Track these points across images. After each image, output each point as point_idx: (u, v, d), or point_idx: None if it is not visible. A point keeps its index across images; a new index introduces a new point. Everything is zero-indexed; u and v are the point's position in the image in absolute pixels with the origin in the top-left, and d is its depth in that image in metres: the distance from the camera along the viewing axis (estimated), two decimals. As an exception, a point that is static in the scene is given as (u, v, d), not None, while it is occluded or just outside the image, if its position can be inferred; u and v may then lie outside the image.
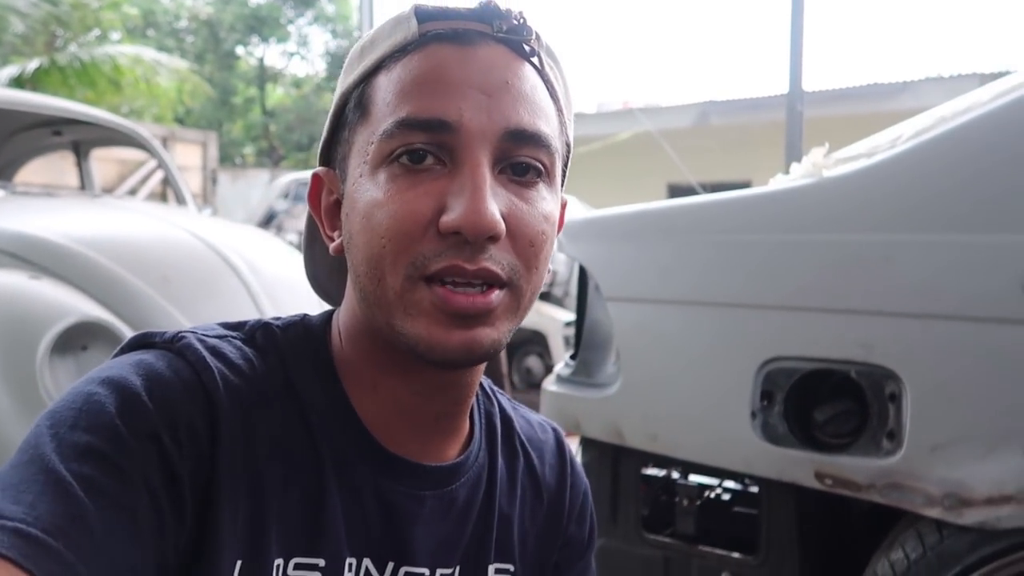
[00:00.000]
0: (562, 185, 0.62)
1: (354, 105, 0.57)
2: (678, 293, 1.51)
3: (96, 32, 11.22)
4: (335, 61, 20.45)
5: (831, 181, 1.39)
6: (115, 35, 12.07)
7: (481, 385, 0.70)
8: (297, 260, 3.22)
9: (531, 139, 0.54)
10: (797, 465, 1.33)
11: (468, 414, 0.65)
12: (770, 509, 1.44)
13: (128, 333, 2.28)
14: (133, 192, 5.11)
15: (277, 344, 0.60)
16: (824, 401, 1.34)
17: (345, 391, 0.60)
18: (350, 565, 0.58)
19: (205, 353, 0.55)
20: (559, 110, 0.59)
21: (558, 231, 0.61)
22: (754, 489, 1.51)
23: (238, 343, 0.59)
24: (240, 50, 20.38)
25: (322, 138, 0.62)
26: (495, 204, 0.52)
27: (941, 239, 1.26)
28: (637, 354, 1.56)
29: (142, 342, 0.57)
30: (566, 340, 5.11)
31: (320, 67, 21.18)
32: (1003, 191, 1.24)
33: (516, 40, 0.56)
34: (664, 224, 1.56)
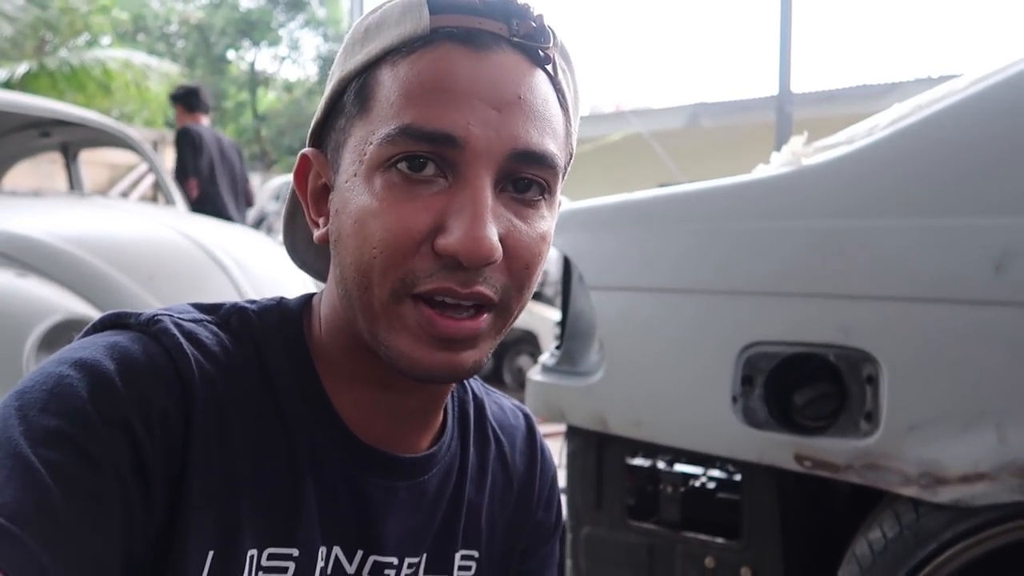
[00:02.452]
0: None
1: (354, 96, 0.55)
2: (660, 281, 1.53)
3: (85, 36, 11.20)
4: (326, 65, 20.41)
5: (810, 169, 1.41)
6: (105, 39, 12.05)
7: None
8: (285, 258, 3.22)
9: (538, 160, 0.53)
10: (777, 448, 1.35)
11: (443, 406, 0.65)
12: (752, 495, 1.45)
13: (116, 330, 2.28)
14: (124, 195, 5.10)
15: (252, 330, 0.59)
16: (803, 384, 1.36)
17: (320, 380, 0.59)
18: (322, 554, 0.58)
19: (181, 339, 0.54)
20: (568, 119, 0.57)
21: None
22: (737, 477, 1.53)
23: (213, 328, 0.57)
24: (231, 54, 20.36)
25: (315, 119, 0.59)
26: (495, 229, 0.50)
27: (915, 223, 1.28)
28: (620, 342, 1.57)
29: (116, 322, 0.55)
30: (555, 335, 5.13)
31: (311, 71, 21.16)
32: (975, 175, 1.26)
33: (532, 47, 0.53)
34: (646, 213, 1.58)
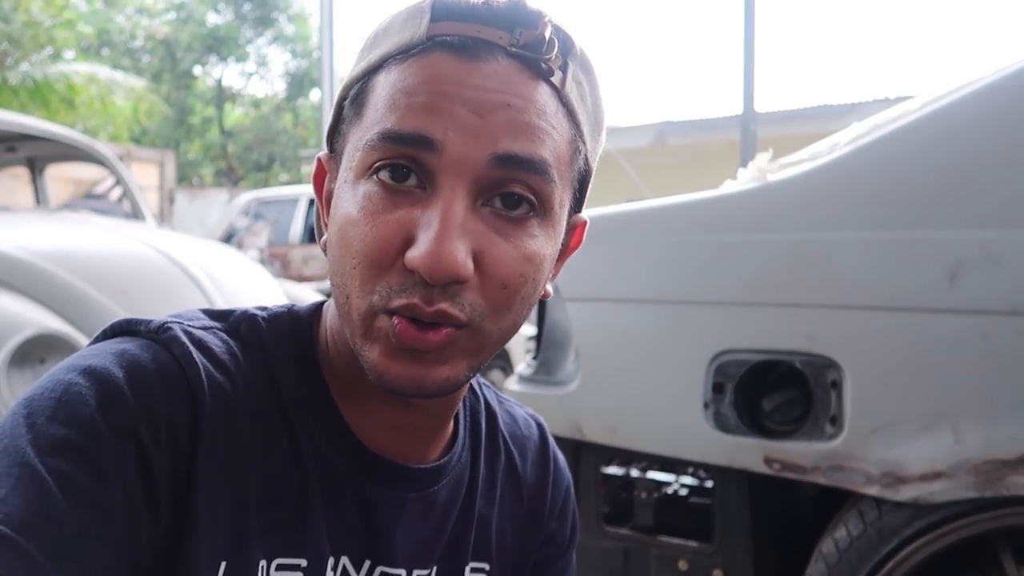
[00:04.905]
0: (579, 209, 0.59)
1: (351, 101, 0.54)
2: (633, 292, 1.58)
3: (49, 50, 11.06)
4: (294, 81, 20.38)
5: (775, 184, 1.48)
6: (69, 54, 11.90)
7: None
8: (259, 272, 3.22)
9: (523, 165, 0.50)
10: (747, 451, 1.40)
11: (452, 419, 0.64)
12: (723, 499, 1.50)
13: (86, 344, 2.27)
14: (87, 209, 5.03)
15: (262, 338, 0.58)
16: (771, 390, 1.42)
17: (329, 389, 0.58)
18: (330, 564, 0.57)
19: (191, 347, 0.53)
20: (578, 135, 0.54)
21: (574, 249, 0.60)
22: (708, 483, 1.57)
23: (223, 335, 0.57)
24: (198, 70, 20.21)
25: (328, 123, 0.59)
26: (463, 245, 0.48)
27: (875, 236, 1.34)
28: (595, 352, 1.61)
29: (126, 328, 0.55)
30: (527, 349, 5.17)
31: (279, 87, 21.08)
32: (930, 191, 1.33)
33: (532, 58, 0.51)
34: (619, 227, 1.63)
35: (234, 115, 21.18)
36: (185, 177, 18.30)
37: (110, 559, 0.46)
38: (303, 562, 0.55)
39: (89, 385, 0.48)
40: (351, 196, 0.51)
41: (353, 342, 0.53)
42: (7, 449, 0.46)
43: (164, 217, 9.54)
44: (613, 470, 1.66)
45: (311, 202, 7.55)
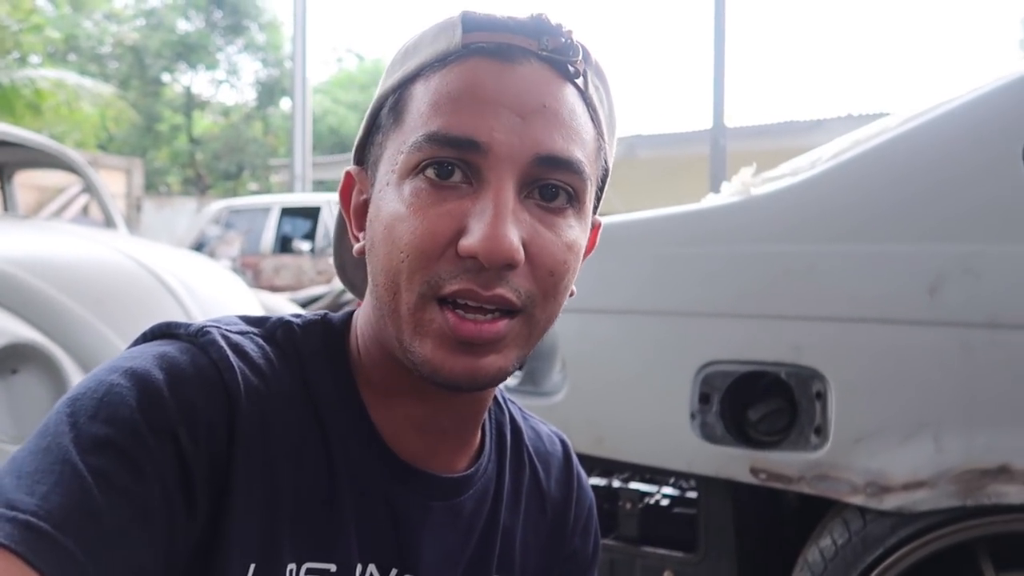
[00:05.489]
0: (595, 210, 0.62)
1: (389, 110, 0.57)
2: (620, 303, 1.59)
3: (15, 55, 10.85)
4: (265, 90, 20.24)
5: (758, 198, 1.50)
6: (35, 59, 11.69)
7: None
8: (234, 281, 3.19)
9: (563, 165, 0.53)
10: (734, 462, 1.42)
11: (480, 427, 0.65)
12: (708, 509, 1.51)
13: (60, 355, 2.22)
14: (56, 217, 4.94)
15: (296, 344, 0.59)
16: (757, 401, 1.44)
17: (361, 396, 0.59)
18: (358, 571, 0.58)
19: (228, 351, 0.54)
20: (599, 134, 0.58)
21: (588, 252, 0.62)
22: (692, 493, 1.59)
23: (260, 341, 0.58)
24: (166, 77, 19.97)
25: (358, 137, 0.61)
26: (515, 231, 0.51)
27: (857, 249, 1.37)
28: (582, 362, 1.62)
29: (166, 332, 0.56)
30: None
31: (250, 96, 20.90)
32: (910, 205, 1.36)
33: (560, 60, 0.55)
34: (605, 239, 1.64)
35: (203, 123, 20.94)
36: (152, 185, 18.04)
37: (148, 557, 0.47)
38: (332, 567, 0.56)
39: (130, 386, 0.50)
40: (396, 195, 0.53)
41: (400, 340, 0.54)
42: (49, 447, 0.47)
43: (131, 225, 9.38)
44: (597, 480, 1.67)
45: (283, 212, 7.49)
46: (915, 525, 1.26)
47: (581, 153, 0.54)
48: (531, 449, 0.72)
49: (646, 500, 1.63)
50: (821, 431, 1.35)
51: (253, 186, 19.14)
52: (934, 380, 1.29)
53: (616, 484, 1.66)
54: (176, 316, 2.55)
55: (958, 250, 1.29)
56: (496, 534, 0.65)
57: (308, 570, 0.55)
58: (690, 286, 1.52)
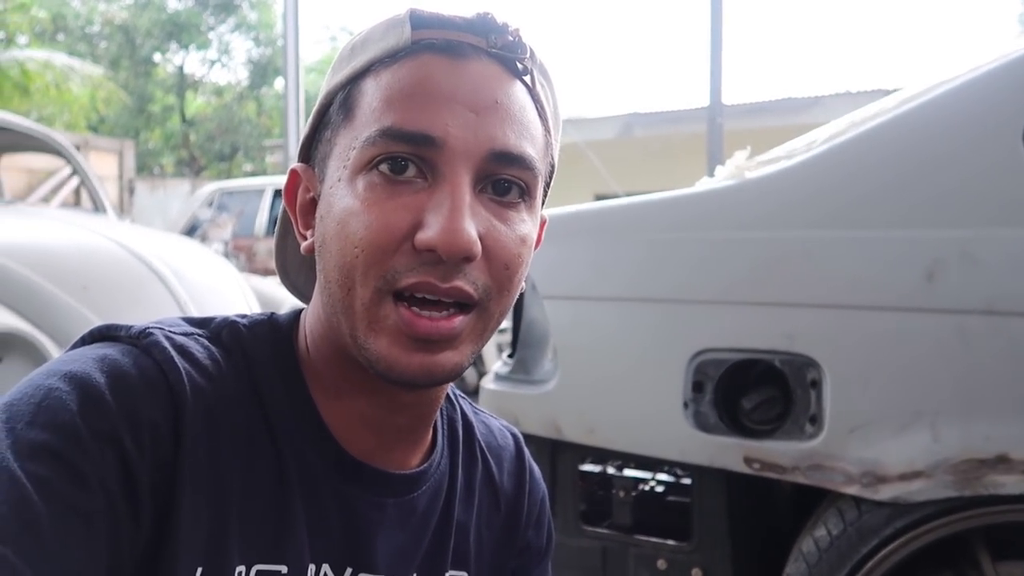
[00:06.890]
0: (542, 204, 0.62)
1: (339, 106, 0.56)
2: (612, 290, 1.56)
3: (1, 36, 10.71)
4: (257, 69, 20.02)
5: (753, 182, 1.47)
6: (22, 39, 11.54)
7: None
8: (224, 267, 3.15)
9: (516, 160, 0.54)
10: (727, 451, 1.40)
11: (432, 423, 0.65)
12: (702, 497, 1.50)
13: (46, 343, 2.19)
14: (45, 202, 4.89)
15: (243, 344, 0.59)
16: (751, 389, 1.41)
17: (310, 395, 0.59)
18: (311, 571, 0.57)
19: (172, 352, 0.53)
20: (546, 130, 0.58)
21: (536, 248, 0.61)
22: (687, 481, 1.57)
23: (204, 342, 0.57)
24: (158, 57, 19.74)
25: (304, 134, 0.60)
26: (473, 224, 0.51)
27: (853, 235, 1.34)
28: (574, 350, 1.60)
29: (106, 334, 0.55)
30: (499, 347, 5.16)
31: (242, 75, 20.70)
32: (907, 190, 1.33)
33: (510, 57, 0.56)
34: (598, 224, 1.62)
35: (195, 103, 20.75)
36: (145, 167, 17.90)
37: (90, 564, 0.46)
38: (283, 568, 0.55)
39: (70, 390, 0.48)
40: (349, 191, 0.53)
41: (354, 337, 0.53)
42: None
43: (124, 208, 9.31)
44: (590, 467, 1.65)
45: (276, 192, 7.43)
46: (911, 516, 1.24)
47: (532, 149, 0.55)
48: (483, 444, 0.72)
49: (640, 488, 1.61)
50: (816, 420, 1.33)
51: (247, 167, 19.00)
52: (931, 368, 1.26)
53: (610, 471, 1.64)
54: (164, 302, 2.52)
55: (956, 235, 1.26)
56: (450, 530, 0.66)
57: (258, 572, 0.54)
58: (683, 273, 1.49)
